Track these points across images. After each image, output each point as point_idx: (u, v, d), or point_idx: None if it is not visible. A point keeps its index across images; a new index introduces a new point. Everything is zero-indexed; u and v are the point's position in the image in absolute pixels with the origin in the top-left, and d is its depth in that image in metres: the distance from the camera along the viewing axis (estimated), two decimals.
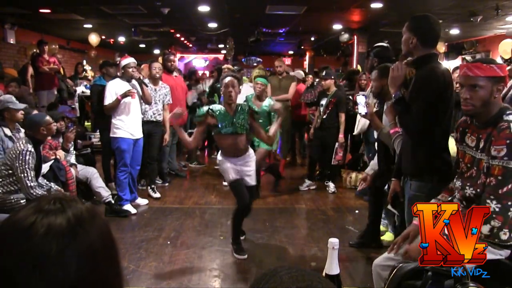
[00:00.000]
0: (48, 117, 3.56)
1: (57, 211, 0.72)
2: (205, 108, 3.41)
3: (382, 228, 3.80)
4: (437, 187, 2.16)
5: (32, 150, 3.34)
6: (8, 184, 3.38)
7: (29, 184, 3.29)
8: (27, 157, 3.30)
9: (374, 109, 3.21)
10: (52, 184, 3.70)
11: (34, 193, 3.30)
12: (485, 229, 1.67)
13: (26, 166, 3.28)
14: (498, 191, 1.69)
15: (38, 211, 0.71)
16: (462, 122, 2.02)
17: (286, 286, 0.64)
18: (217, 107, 3.41)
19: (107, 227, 0.78)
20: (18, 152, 3.29)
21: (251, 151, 3.60)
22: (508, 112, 1.78)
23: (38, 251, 0.67)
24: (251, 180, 3.55)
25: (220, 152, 3.57)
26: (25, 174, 3.29)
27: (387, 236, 3.76)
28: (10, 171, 3.35)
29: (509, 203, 1.68)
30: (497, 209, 1.68)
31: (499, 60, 7.60)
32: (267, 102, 4.85)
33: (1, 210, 3.31)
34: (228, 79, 3.35)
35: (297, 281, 0.65)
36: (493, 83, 1.78)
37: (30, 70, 7.66)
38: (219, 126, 3.34)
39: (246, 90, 5.55)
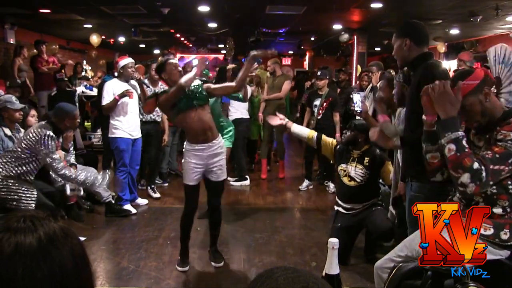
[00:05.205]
0: (77, 111, 3.65)
1: (26, 230, 0.68)
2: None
3: None
4: (436, 188, 2.15)
5: (52, 134, 3.41)
6: (14, 167, 3.42)
7: (58, 167, 3.40)
8: (49, 142, 3.37)
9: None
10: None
11: (67, 174, 3.43)
12: (465, 177, 1.65)
13: (50, 150, 3.37)
14: (490, 166, 1.66)
15: (6, 229, 0.67)
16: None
17: None
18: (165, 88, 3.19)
19: (81, 247, 0.75)
20: (38, 139, 3.36)
21: (220, 139, 3.22)
22: None
23: (3, 272, 0.64)
24: (219, 175, 3.22)
25: (186, 142, 3.19)
26: (52, 159, 3.39)
27: None
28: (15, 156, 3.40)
29: (491, 182, 1.67)
30: (483, 174, 1.63)
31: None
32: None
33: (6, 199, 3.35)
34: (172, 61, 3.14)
35: (293, 283, 0.63)
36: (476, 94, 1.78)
37: (18, 63, 7.57)
38: (177, 105, 3.06)
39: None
